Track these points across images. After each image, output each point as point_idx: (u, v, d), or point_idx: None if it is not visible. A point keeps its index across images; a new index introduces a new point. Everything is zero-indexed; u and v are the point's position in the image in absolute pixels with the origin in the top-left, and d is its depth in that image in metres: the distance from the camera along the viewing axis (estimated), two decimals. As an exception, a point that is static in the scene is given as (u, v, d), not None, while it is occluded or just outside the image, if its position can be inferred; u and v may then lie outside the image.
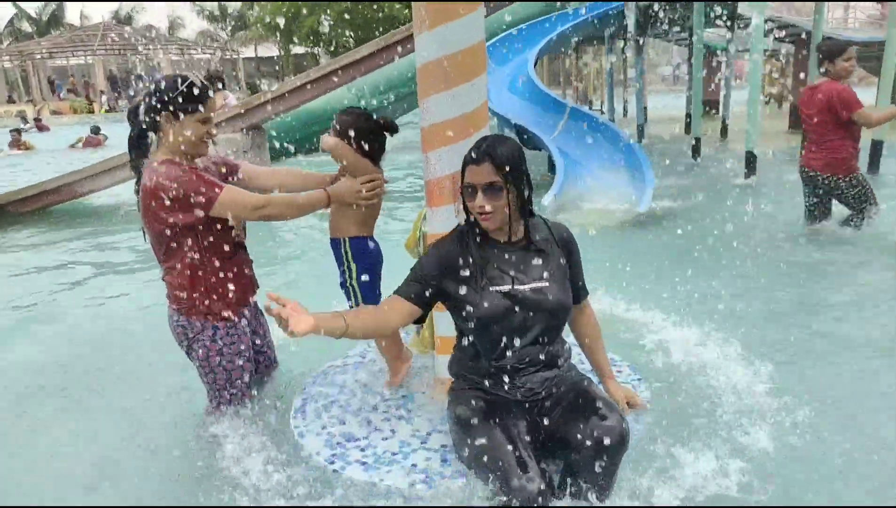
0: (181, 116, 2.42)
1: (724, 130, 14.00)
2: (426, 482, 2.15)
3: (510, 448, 2.01)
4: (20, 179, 9.81)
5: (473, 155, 2.13)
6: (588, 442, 2.00)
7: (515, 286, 2.18)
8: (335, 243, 2.74)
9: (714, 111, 18.21)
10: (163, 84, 2.41)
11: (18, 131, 16.42)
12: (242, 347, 2.66)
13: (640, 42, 14.18)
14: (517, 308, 2.17)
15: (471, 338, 2.24)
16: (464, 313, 2.20)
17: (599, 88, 24.32)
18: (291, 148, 12.59)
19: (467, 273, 2.19)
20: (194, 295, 2.53)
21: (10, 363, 3.74)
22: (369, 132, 2.61)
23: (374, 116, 2.66)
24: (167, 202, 2.36)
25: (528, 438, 2.11)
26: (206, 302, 2.55)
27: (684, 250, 5.21)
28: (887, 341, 3.49)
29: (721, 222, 5.72)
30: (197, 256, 2.50)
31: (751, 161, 8.40)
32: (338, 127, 2.60)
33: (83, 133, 16.98)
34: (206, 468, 2.47)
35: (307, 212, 2.56)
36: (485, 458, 2.02)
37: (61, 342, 4.00)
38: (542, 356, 2.22)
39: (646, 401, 2.47)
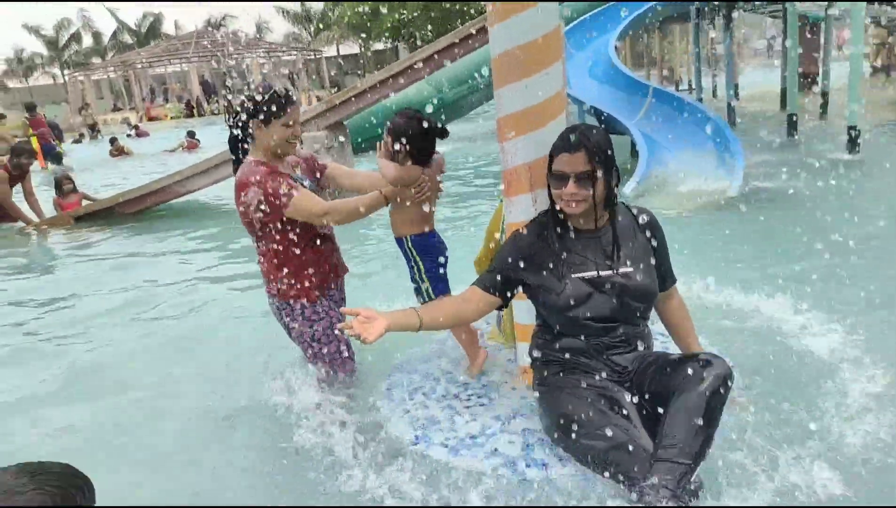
0: (270, 120, 2.67)
1: (824, 105, 13.16)
2: (507, 466, 2.19)
3: (620, 426, 2.02)
4: (125, 183, 10.51)
5: (568, 143, 2.14)
6: (690, 378, 1.97)
7: (599, 272, 2.18)
8: (399, 243, 2.88)
9: (813, 85, 17.13)
10: (253, 94, 2.68)
11: (115, 139, 17.38)
12: (333, 321, 2.89)
13: (730, 16, 13.53)
14: (601, 294, 2.18)
15: (557, 326, 2.26)
16: (547, 302, 2.22)
17: (686, 67, 23.38)
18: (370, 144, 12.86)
19: (550, 263, 2.20)
20: (284, 279, 2.81)
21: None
22: (417, 136, 2.68)
23: (425, 120, 2.70)
24: (251, 200, 2.64)
25: (634, 410, 2.12)
26: (295, 285, 2.81)
27: (779, 234, 4.97)
28: None
29: (820, 204, 5.41)
30: (281, 247, 2.77)
31: (853, 136, 7.87)
32: (391, 128, 2.69)
33: (180, 137, 17.94)
34: (302, 442, 2.61)
35: (368, 214, 2.76)
36: (598, 444, 2.02)
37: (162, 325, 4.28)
38: (628, 339, 2.22)
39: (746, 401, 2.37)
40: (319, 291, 2.87)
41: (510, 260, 2.26)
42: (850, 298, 3.63)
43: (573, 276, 2.20)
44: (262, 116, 2.66)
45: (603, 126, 8.70)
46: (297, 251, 2.79)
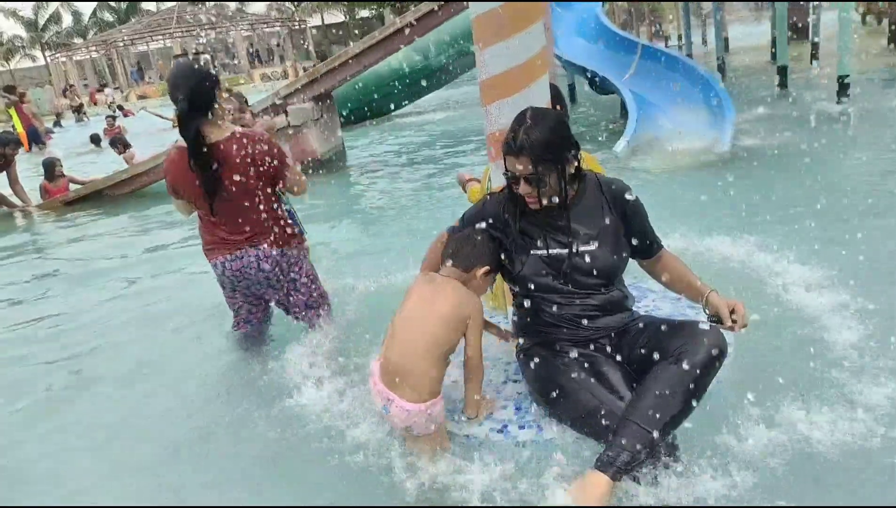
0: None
1: (814, 56, 13.03)
2: (502, 431, 2.21)
3: (616, 398, 2.01)
4: (115, 165, 10.41)
5: (511, 145, 2.08)
6: (678, 355, 1.94)
7: (559, 251, 2.17)
8: None
9: (804, 36, 16.93)
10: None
11: (113, 118, 17.05)
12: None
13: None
14: (560, 271, 2.17)
15: (522, 296, 2.27)
16: (508, 275, 2.26)
17: (676, 22, 23.07)
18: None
19: (509, 239, 2.21)
20: (286, 229, 3.14)
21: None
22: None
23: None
24: (266, 152, 3.01)
25: (617, 374, 2.10)
26: (293, 233, 3.20)
27: (769, 190, 4.96)
28: None
29: (810, 157, 5.38)
30: (274, 201, 3.12)
31: (843, 86, 7.80)
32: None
33: (170, 115, 17.69)
34: (298, 406, 2.66)
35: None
36: (581, 410, 2.03)
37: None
38: (602, 306, 2.21)
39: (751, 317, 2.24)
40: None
41: (474, 222, 2.31)
42: (835, 253, 3.59)
43: (532, 253, 2.20)
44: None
45: (598, 82, 8.60)
46: (281, 204, 3.19)
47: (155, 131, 16.43)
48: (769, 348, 2.68)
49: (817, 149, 5.63)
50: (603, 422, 1.95)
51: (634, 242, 2.27)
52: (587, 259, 2.16)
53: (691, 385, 1.90)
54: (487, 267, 2.19)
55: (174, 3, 35.70)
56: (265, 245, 3.06)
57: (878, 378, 2.40)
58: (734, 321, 2.10)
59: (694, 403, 1.93)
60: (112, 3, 46.07)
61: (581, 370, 2.10)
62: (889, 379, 2.38)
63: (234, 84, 31.64)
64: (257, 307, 3.34)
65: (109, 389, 3.28)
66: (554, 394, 2.10)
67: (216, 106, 2.92)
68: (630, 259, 2.32)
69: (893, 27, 13.19)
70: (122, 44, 34.20)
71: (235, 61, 36.86)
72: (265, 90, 11.57)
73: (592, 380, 2.06)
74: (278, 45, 34.29)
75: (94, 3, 45.75)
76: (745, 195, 4.95)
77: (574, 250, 2.16)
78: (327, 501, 2.17)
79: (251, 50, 38.14)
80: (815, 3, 13.49)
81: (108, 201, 8.26)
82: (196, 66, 3.12)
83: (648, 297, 3.03)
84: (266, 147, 2.99)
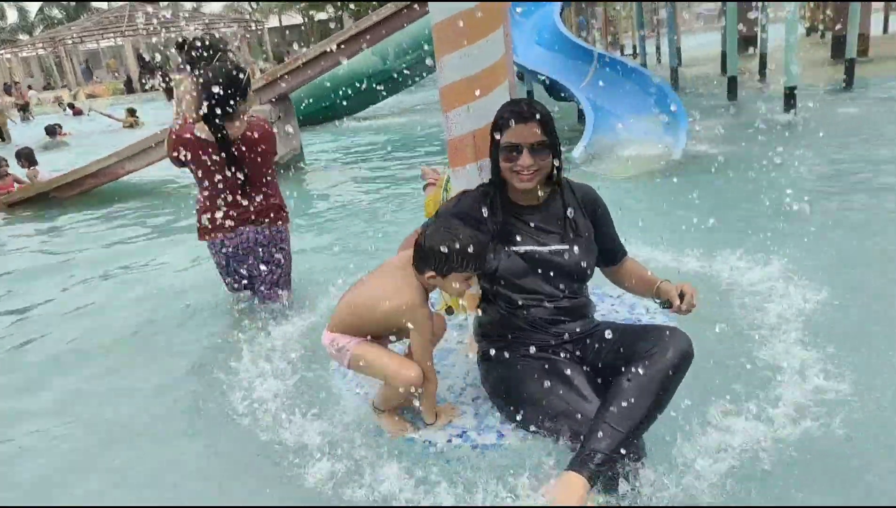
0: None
1: (762, 68, 13.47)
2: (462, 437, 2.20)
3: (583, 401, 2.00)
4: (60, 163, 10.08)
5: (520, 114, 2.11)
6: (650, 351, 1.96)
7: (534, 248, 2.18)
8: None
9: (752, 48, 17.47)
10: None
11: (57, 128, 16.08)
12: None
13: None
14: (536, 269, 2.18)
15: (494, 298, 2.27)
16: (483, 276, 2.24)
17: (630, 32, 23.55)
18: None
19: (488, 232, 2.20)
20: (284, 207, 3.64)
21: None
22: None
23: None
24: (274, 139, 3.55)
25: (582, 378, 2.10)
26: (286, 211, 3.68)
27: (720, 196, 5.10)
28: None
29: (760, 164, 5.56)
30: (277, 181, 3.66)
31: (790, 97, 8.08)
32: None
33: (119, 116, 17.21)
34: (249, 414, 2.59)
35: None
36: (546, 414, 2.02)
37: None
38: (568, 311, 2.23)
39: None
40: None
41: (451, 217, 2.26)
42: (788, 250, 3.73)
43: (509, 249, 2.20)
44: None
45: (555, 89, 8.70)
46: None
47: (108, 131, 15.98)
48: (722, 352, 2.75)
49: (767, 156, 5.82)
50: (570, 425, 1.96)
51: (603, 245, 2.31)
52: (563, 258, 2.18)
53: (661, 388, 1.93)
54: (432, 272, 2.09)
55: (125, 3, 34.73)
56: (257, 224, 3.50)
57: (827, 378, 2.48)
58: (686, 304, 2.16)
59: (663, 405, 1.96)
60: (61, 1, 44.64)
61: (546, 374, 2.10)
62: (838, 378, 2.47)
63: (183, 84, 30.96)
64: (249, 281, 3.70)
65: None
66: (518, 398, 2.11)
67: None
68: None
69: (836, 39, 13.71)
70: (70, 41, 33.12)
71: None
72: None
73: (558, 384, 2.07)
74: (238, 47, 33.72)
75: (41, 3, 44.29)
76: (697, 201, 5.06)
77: (550, 248, 2.18)
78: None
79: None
80: (764, 16, 13.95)
81: (54, 203, 7.99)
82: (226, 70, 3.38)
83: (605, 302, 3.07)
84: (268, 128, 3.50)
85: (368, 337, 2.20)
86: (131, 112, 16.94)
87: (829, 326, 2.91)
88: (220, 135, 3.32)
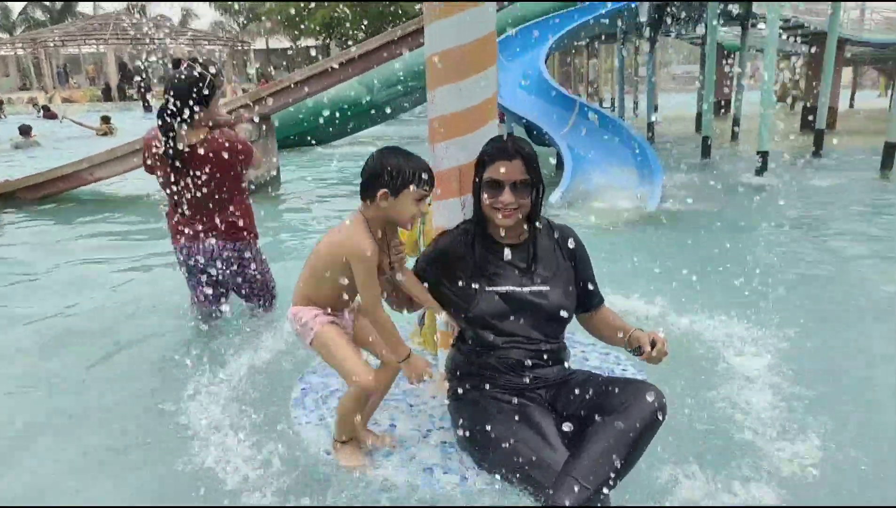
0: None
1: (735, 130, 13.90)
2: (425, 474, 2.13)
3: (551, 451, 1.94)
4: (28, 167, 9.82)
5: (505, 151, 2.12)
6: (620, 412, 1.90)
7: (515, 288, 2.15)
8: None
9: (724, 111, 18.07)
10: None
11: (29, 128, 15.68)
12: None
13: (653, 40, 14.07)
14: (515, 311, 2.15)
15: (470, 340, 2.22)
16: (461, 312, 2.19)
17: (610, 86, 24.18)
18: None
19: (467, 273, 2.17)
20: (254, 225, 3.58)
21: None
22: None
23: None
24: (245, 152, 3.42)
25: (552, 427, 2.04)
26: (254, 228, 3.61)
27: (693, 250, 5.16)
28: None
29: (732, 222, 5.67)
30: (247, 197, 3.57)
31: (763, 161, 8.33)
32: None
33: (93, 122, 16.95)
34: (200, 453, 2.44)
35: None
36: (513, 460, 1.94)
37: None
38: (545, 356, 2.19)
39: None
40: None
41: (432, 262, 2.26)
42: (756, 309, 3.77)
43: (488, 289, 2.17)
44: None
45: (535, 134, 8.83)
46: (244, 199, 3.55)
47: (81, 137, 15.70)
48: (689, 406, 2.73)
49: (739, 215, 5.94)
50: (536, 475, 1.89)
51: (582, 288, 2.28)
52: (543, 299, 2.15)
53: (632, 444, 1.87)
54: (384, 190, 2.03)
55: (113, 9, 34.61)
56: (219, 237, 3.43)
57: (797, 437, 2.48)
58: (657, 352, 2.10)
59: (633, 461, 1.90)
60: (46, 3, 44.20)
61: (515, 418, 2.05)
62: (804, 439, 2.46)
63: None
64: (215, 290, 3.64)
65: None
66: (485, 441, 2.04)
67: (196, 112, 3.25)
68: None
69: (806, 110, 14.25)
70: (52, 44, 32.74)
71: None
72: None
73: (527, 429, 2.01)
74: (223, 65, 33.71)
75: (25, 3, 43.77)
76: (669, 253, 5.13)
77: (531, 289, 2.15)
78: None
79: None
80: (738, 83, 14.44)
81: (18, 203, 7.76)
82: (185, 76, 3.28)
83: (576, 348, 3.04)
84: (239, 146, 3.38)
85: (328, 309, 2.17)
86: (105, 120, 16.70)
87: (792, 380, 2.94)
88: (168, 143, 3.22)
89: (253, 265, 3.59)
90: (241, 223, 3.49)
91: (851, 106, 24.57)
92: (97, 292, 4.53)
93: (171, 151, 3.23)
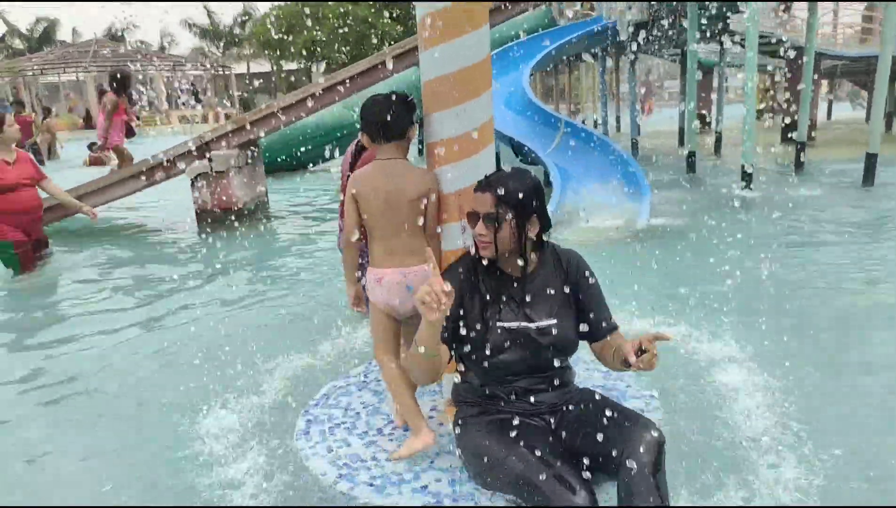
0: None
1: (717, 144, 14.09)
2: (435, 501, 2.10)
3: (544, 466, 1.91)
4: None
5: (480, 183, 2.16)
6: (630, 461, 1.85)
7: (522, 324, 2.13)
8: None
9: (706, 126, 18.33)
10: None
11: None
12: None
13: (633, 57, 14.28)
14: (519, 345, 2.13)
15: (473, 369, 2.21)
16: (467, 346, 2.17)
17: (592, 103, 24.46)
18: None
19: (475, 307, 2.16)
20: None
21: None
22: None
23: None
24: None
25: (558, 449, 2.01)
26: None
27: (683, 266, 5.19)
28: None
29: (722, 236, 5.71)
30: None
31: (747, 174, 8.44)
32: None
33: (80, 151, 16.80)
34: (208, 488, 2.41)
35: None
36: (520, 482, 1.92)
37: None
38: (548, 380, 2.18)
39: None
40: None
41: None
42: (751, 325, 3.80)
43: (495, 324, 2.14)
44: None
45: (523, 152, 8.89)
46: None
47: (71, 167, 15.58)
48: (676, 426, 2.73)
49: (728, 229, 6.00)
50: (541, 494, 1.87)
51: (589, 317, 2.23)
52: (550, 334, 2.13)
53: (659, 490, 1.83)
54: (413, 124, 2.39)
55: (92, 36, 34.52)
56: None
57: (785, 455, 2.48)
58: (644, 361, 1.99)
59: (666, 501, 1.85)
60: (24, 31, 44.00)
61: (520, 442, 2.02)
62: (792, 457, 2.47)
63: (150, 124, 30.65)
64: None
65: None
66: (488, 463, 2.03)
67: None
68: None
69: (786, 124, 14.48)
70: (31, 73, 32.56)
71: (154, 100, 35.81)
72: (184, 133, 11.27)
73: (529, 451, 1.97)
74: (204, 90, 33.68)
75: (3, 29, 43.57)
76: (659, 270, 5.17)
77: (538, 325, 2.13)
78: None
79: (174, 92, 37.19)
80: (720, 97, 14.67)
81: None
82: None
83: (579, 366, 3.03)
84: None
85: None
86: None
87: (783, 396, 2.96)
88: None
89: None
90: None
91: (829, 117, 25.08)
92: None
93: None
